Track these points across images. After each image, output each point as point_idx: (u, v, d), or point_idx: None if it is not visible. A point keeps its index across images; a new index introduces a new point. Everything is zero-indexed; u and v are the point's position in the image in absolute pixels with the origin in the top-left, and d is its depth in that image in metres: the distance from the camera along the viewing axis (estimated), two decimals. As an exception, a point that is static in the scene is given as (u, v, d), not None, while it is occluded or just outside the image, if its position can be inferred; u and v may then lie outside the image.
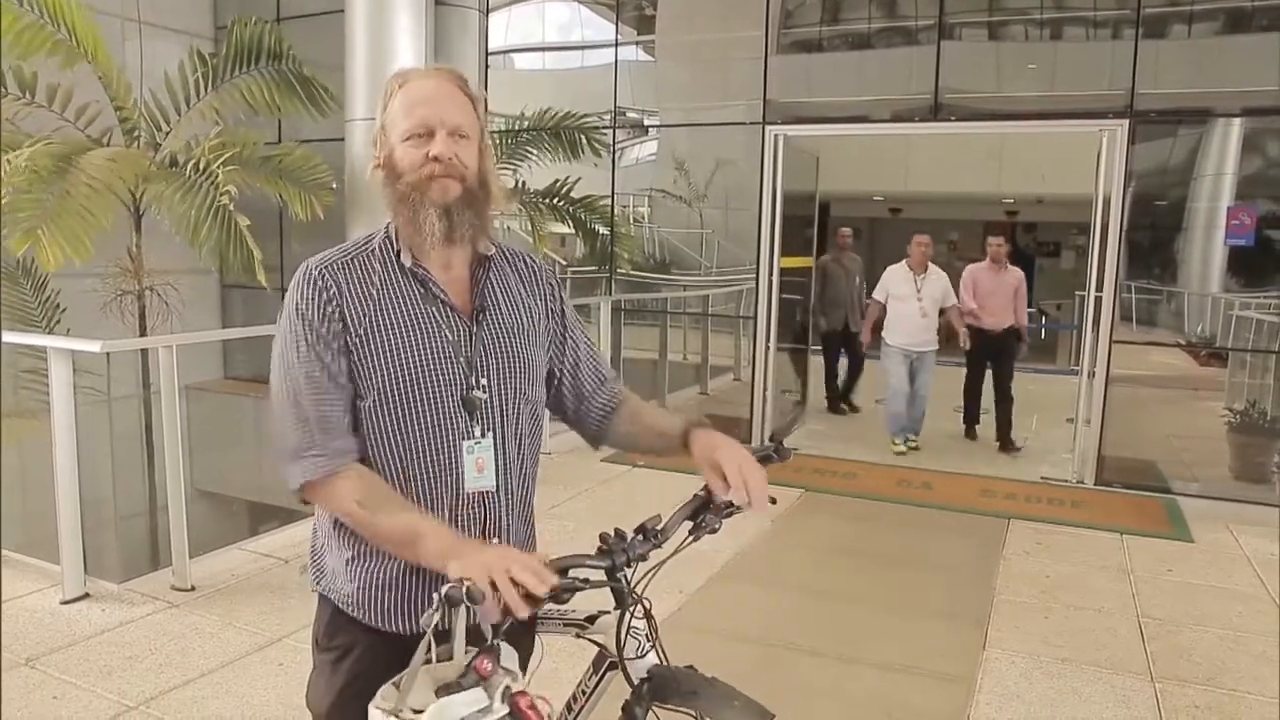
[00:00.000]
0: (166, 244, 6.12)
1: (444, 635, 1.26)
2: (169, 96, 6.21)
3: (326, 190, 6.38)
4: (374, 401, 1.48)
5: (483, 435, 1.52)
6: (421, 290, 1.52)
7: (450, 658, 1.27)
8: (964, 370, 7.62)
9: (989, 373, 7.44)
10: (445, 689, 1.24)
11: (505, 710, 1.26)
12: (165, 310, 6.36)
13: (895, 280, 7.13)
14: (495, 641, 1.28)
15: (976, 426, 7.61)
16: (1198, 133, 6.22)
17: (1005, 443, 7.19)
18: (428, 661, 1.26)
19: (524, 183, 7.76)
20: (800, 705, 3.17)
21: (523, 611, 1.27)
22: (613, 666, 1.59)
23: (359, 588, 1.53)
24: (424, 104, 1.47)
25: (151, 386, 6.02)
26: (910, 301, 7.00)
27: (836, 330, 8.40)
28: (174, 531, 4.08)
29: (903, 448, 7.12)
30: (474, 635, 1.28)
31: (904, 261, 7.18)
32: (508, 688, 1.27)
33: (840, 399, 8.66)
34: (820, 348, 8.54)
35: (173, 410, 4.08)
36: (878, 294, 7.25)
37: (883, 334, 7.16)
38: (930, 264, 7.18)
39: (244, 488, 7.49)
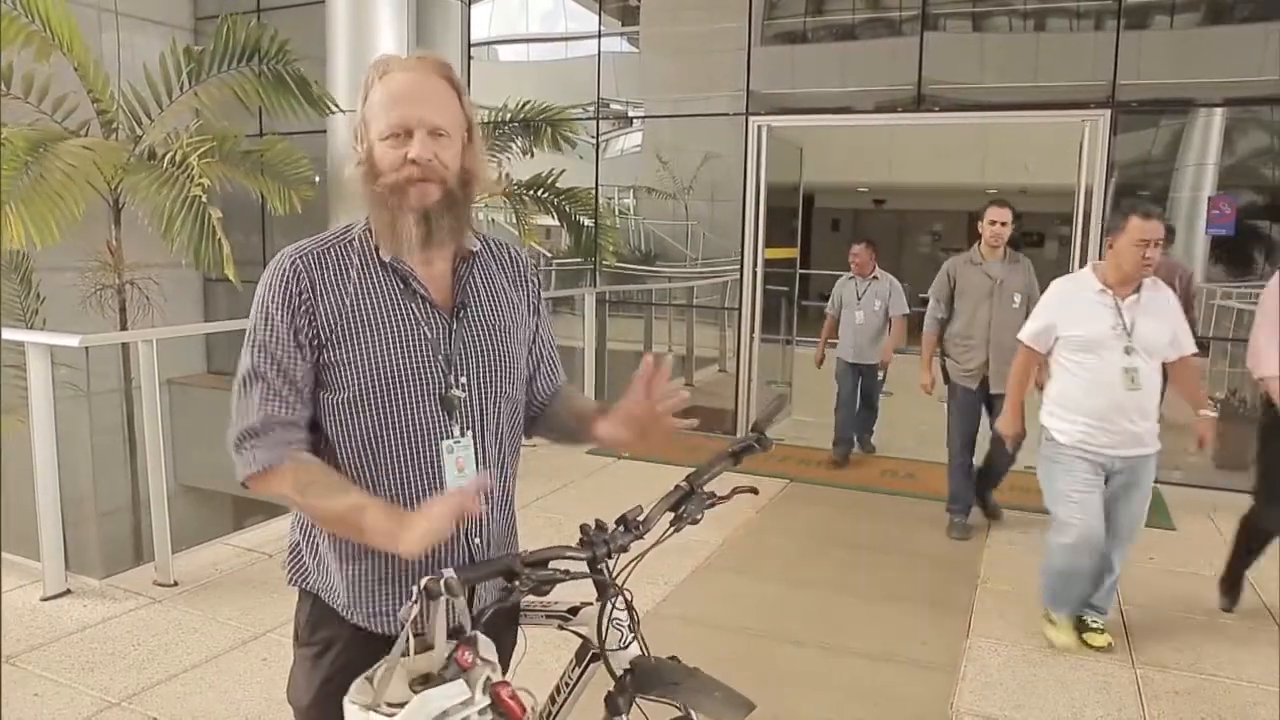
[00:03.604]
0: (147, 238, 6.07)
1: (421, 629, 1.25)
2: (149, 89, 6.15)
3: (306, 184, 6.35)
4: (349, 399, 1.44)
5: (462, 434, 1.49)
6: (402, 286, 1.48)
7: (429, 648, 1.26)
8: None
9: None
10: (423, 681, 1.23)
11: (487, 701, 1.25)
12: (146, 304, 6.32)
13: (1066, 307, 3.55)
14: (474, 633, 1.28)
15: (1239, 591, 4.05)
16: (1179, 123, 6.25)
17: None
18: (404, 655, 1.25)
19: (508, 174, 7.73)
20: (785, 694, 3.19)
21: (472, 507, 1.31)
22: (595, 658, 1.59)
23: (348, 585, 1.51)
24: (403, 101, 1.41)
25: (133, 381, 5.99)
26: (1107, 353, 3.41)
27: (971, 383, 4.95)
28: (156, 526, 4.06)
29: (1068, 635, 3.59)
30: (452, 630, 1.28)
31: (1091, 268, 3.56)
32: (489, 679, 1.27)
33: (978, 496, 5.15)
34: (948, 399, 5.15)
35: (154, 405, 4.05)
36: (1029, 336, 3.68)
37: (1043, 414, 3.76)
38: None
39: (227, 482, 7.44)
